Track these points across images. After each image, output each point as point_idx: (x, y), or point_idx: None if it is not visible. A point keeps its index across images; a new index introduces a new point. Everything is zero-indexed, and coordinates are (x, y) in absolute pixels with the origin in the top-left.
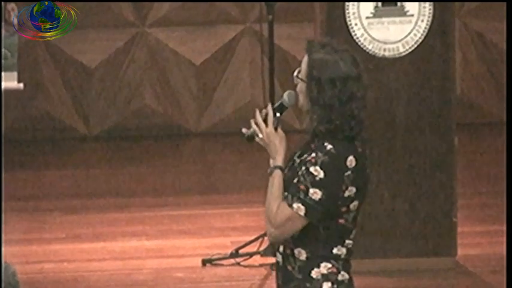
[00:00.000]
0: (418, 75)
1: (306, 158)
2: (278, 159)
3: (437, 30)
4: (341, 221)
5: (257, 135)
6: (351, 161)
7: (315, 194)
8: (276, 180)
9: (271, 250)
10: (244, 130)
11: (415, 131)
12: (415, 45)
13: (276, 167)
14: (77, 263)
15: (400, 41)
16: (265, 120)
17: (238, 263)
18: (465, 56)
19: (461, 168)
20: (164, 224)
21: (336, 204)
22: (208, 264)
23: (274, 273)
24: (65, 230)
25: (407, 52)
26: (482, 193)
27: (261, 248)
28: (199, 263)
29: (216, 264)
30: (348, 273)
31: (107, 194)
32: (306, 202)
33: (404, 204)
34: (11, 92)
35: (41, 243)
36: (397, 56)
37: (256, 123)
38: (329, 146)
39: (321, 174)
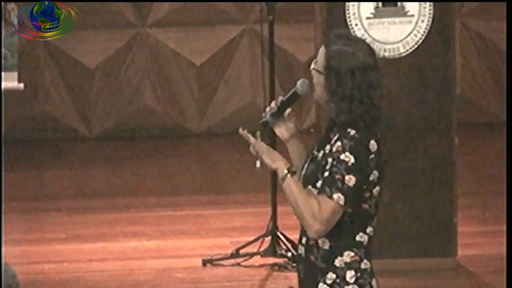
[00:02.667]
0: (419, 76)
1: (330, 149)
2: (280, 166)
3: (438, 30)
4: (365, 206)
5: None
6: (372, 145)
7: (350, 180)
8: (293, 184)
9: (271, 251)
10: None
11: (415, 131)
12: (416, 46)
13: (285, 175)
14: (77, 263)
15: (400, 41)
16: (278, 112)
17: (239, 264)
18: (465, 56)
19: (461, 168)
20: (164, 225)
21: (362, 189)
22: (208, 265)
23: (275, 273)
24: (66, 230)
25: (407, 52)
26: (482, 193)
27: (261, 249)
28: (200, 263)
29: (216, 265)
30: (370, 262)
31: (107, 194)
32: (344, 190)
33: (404, 205)
34: (11, 92)
35: (41, 243)
36: (397, 56)
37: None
38: (352, 132)
39: (352, 159)
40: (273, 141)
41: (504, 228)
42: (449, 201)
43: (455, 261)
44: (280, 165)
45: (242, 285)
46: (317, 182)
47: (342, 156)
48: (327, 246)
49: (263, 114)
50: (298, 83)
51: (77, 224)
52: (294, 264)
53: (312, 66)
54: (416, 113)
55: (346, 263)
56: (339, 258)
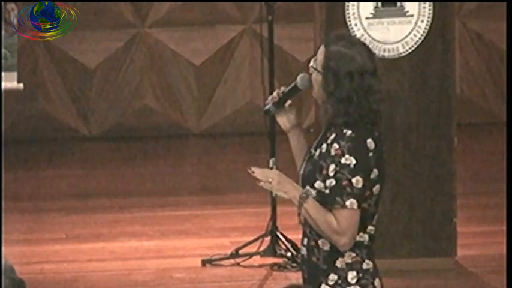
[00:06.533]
0: (418, 76)
1: (326, 148)
2: (294, 196)
3: (437, 30)
4: (364, 205)
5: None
6: (370, 143)
7: (358, 182)
8: (309, 208)
9: (271, 251)
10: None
11: (414, 131)
12: (415, 46)
13: (301, 198)
14: (77, 263)
15: (399, 41)
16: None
17: (238, 264)
18: (465, 56)
19: (460, 168)
20: (164, 224)
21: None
22: (208, 265)
23: (274, 273)
24: (65, 230)
25: (407, 52)
26: (482, 193)
27: (261, 249)
28: (199, 264)
29: (216, 265)
30: (373, 261)
31: (107, 194)
32: (355, 194)
33: (404, 205)
34: (11, 92)
35: (41, 243)
36: (396, 56)
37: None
38: (348, 132)
39: (353, 161)
40: (273, 131)
41: (504, 228)
42: (448, 201)
43: (455, 261)
44: (294, 195)
45: (242, 285)
46: (315, 182)
47: (343, 160)
48: (327, 247)
49: (266, 102)
50: (299, 77)
51: (77, 224)
52: (294, 264)
53: (311, 64)
54: (415, 113)
55: (347, 264)
56: (340, 259)
